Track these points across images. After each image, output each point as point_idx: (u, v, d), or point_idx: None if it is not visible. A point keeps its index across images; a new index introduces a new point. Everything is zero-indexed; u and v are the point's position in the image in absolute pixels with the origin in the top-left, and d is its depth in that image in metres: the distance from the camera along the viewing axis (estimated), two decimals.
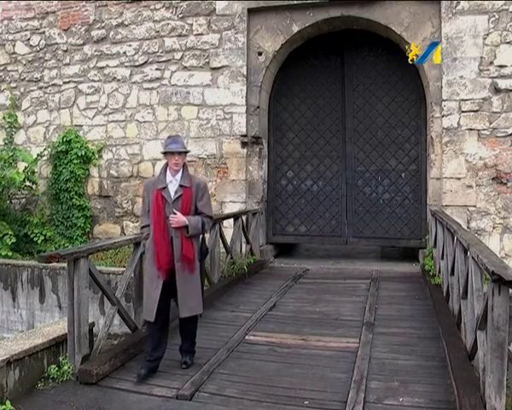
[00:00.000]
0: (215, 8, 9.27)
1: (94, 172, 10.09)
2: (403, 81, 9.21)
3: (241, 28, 9.10)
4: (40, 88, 10.48)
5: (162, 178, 4.08)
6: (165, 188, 4.02)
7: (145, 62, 9.72)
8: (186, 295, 4.00)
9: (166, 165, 4.12)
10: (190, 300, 4.02)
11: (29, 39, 10.58)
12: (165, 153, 4.09)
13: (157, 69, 9.64)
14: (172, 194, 4.02)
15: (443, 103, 8.17)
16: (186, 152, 4.15)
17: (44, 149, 9.99)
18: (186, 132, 9.45)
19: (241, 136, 9.14)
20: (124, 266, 6.84)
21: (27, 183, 9.78)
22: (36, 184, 10.00)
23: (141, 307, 4.74)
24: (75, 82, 10.20)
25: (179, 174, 4.06)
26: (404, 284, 7.50)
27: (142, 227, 4.21)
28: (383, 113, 9.31)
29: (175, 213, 3.93)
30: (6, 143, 10.35)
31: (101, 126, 10.02)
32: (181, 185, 4.03)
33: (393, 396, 3.64)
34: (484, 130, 8.01)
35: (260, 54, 9.21)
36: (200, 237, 4.17)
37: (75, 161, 9.77)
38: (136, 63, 9.76)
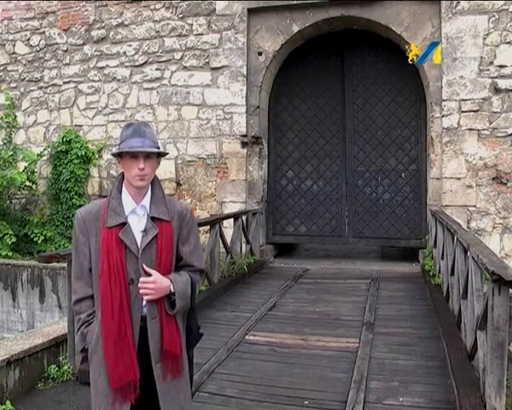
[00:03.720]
0: (215, 8, 9.27)
1: (94, 172, 10.09)
2: (403, 81, 9.20)
3: (241, 28, 9.10)
4: (40, 88, 10.48)
5: (116, 204, 2.15)
6: (124, 225, 2.12)
7: (145, 62, 9.72)
8: None
9: (122, 178, 2.22)
10: None
11: (29, 39, 10.58)
12: (119, 154, 2.16)
13: (157, 69, 9.64)
14: (139, 236, 2.14)
15: (443, 103, 8.17)
16: (160, 154, 2.23)
17: (44, 149, 10.00)
18: (186, 132, 9.45)
19: (241, 136, 9.14)
20: None
21: (27, 183, 9.79)
22: (36, 184, 10.01)
23: None
24: (75, 82, 10.20)
25: (147, 197, 2.18)
26: (404, 284, 7.50)
27: (77, 302, 2.21)
28: (383, 113, 9.31)
29: (147, 274, 2.09)
30: (5, 143, 10.36)
31: (101, 126, 10.02)
32: (154, 218, 2.16)
33: (393, 396, 3.64)
34: (484, 130, 8.01)
35: (260, 54, 9.21)
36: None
37: (75, 161, 9.77)
38: (136, 63, 9.76)
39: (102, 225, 2.13)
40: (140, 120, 9.71)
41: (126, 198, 2.18)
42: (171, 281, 2.13)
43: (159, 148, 2.20)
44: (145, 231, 2.14)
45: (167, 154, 2.43)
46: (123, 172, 2.20)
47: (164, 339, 2.14)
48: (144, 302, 2.12)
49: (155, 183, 2.24)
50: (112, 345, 2.09)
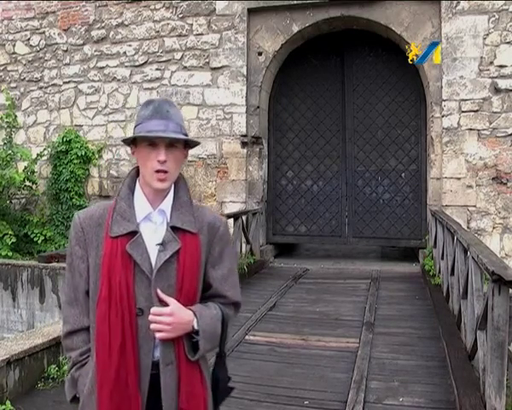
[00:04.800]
0: (215, 8, 9.27)
1: (94, 172, 10.09)
2: (403, 81, 9.20)
3: (241, 28, 9.10)
4: (40, 88, 10.48)
5: (125, 206, 1.63)
6: (134, 235, 1.59)
7: (145, 62, 9.72)
8: None
9: (135, 174, 1.69)
10: None
11: (29, 39, 10.58)
12: (133, 141, 1.64)
13: (157, 69, 9.64)
14: (154, 251, 1.60)
15: (443, 103, 8.17)
16: (189, 144, 1.69)
17: (44, 149, 10.00)
18: None
19: (241, 136, 9.14)
20: None
21: (27, 183, 9.79)
22: (36, 184, 10.01)
23: None
24: (75, 82, 10.20)
25: (168, 199, 1.66)
26: (404, 284, 7.50)
27: (68, 335, 1.68)
28: (383, 113, 9.31)
29: (163, 303, 1.57)
30: (5, 143, 10.36)
31: (101, 126, 10.02)
32: (175, 228, 1.63)
33: (393, 396, 3.64)
34: (484, 130, 8.01)
35: (260, 54, 9.21)
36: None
37: (75, 161, 9.77)
38: (136, 63, 9.76)
39: (106, 233, 1.59)
40: None
41: (140, 200, 1.63)
42: (194, 314, 1.58)
43: (186, 134, 1.64)
44: (163, 245, 1.59)
45: (198, 144, 1.75)
46: (137, 167, 1.67)
47: (181, 395, 1.58)
48: (157, 341, 1.58)
49: (180, 182, 1.69)
50: (107, 399, 1.54)
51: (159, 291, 1.56)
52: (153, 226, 1.62)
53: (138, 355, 1.56)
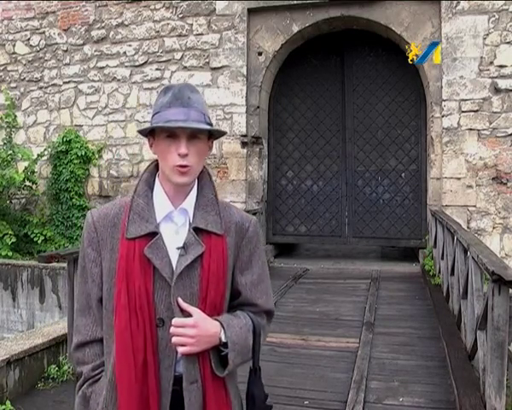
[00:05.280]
0: (215, 8, 9.27)
1: (94, 172, 10.08)
2: (403, 81, 9.20)
3: (241, 28, 9.10)
4: (40, 88, 10.47)
5: (143, 205, 1.45)
6: (153, 237, 1.42)
7: (145, 62, 9.72)
8: None
9: (154, 168, 1.52)
10: None
11: (29, 39, 10.58)
12: (151, 132, 1.46)
13: (157, 69, 9.64)
14: (175, 255, 1.43)
15: (443, 103, 8.17)
16: (214, 135, 1.55)
17: (44, 149, 9.99)
18: None
19: (241, 136, 9.14)
20: None
21: (27, 183, 9.79)
22: (36, 184, 10.01)
23: None
24: (75, 82, 10.20)
25: (191, 197, 1.48)
26: (404, 284, 7.51)
27: (80, 347, 1.55)
28: (383, 113, 9.30)
29: (185, 313, 1.39)
30: (5, 143, 10.35)
31: (101, 126, 10.02)
32: (198, 229, 1.45)
33: (393, 396, 3.64)
34: (484, 130, 8.01)
35: (260, 54, 9.21)
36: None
37: (75, 161, 9.76)
38: (136, 63, 9.76)
39: (122, 235, 1.42)
40: (140, 119, 9.66)
41: (160, 197, 1.46)
42: (221, 325, 1.41)
43: (211, 124, 1.47)
44: (184, 248, 1.42)
45: (224, 134, 1.63)
46: (156, 161, 1.49)
47: None
48: (180, 356, 1.41)
49: (205, 178, 1.52)
50: None
51: (180, 300, 1.39)
52: (174, 227, 1.45)
53: (160, 372, 1.40)
